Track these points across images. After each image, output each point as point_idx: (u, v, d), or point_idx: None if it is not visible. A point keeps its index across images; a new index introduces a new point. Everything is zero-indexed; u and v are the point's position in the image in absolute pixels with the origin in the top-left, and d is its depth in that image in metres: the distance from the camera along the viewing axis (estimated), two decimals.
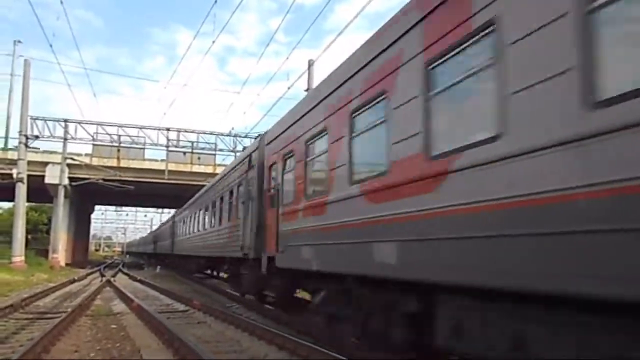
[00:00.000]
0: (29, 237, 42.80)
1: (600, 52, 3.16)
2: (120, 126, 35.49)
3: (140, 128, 35.71)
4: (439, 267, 4.52)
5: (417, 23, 5.16)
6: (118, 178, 34.46)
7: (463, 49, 4.45)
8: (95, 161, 35.32)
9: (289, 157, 9.34)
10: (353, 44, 6.94)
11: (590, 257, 3.05)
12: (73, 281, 22.10)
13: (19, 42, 41.18)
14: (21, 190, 28.01)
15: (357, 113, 6.42)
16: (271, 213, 9.98)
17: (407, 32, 5.36)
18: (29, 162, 29.27)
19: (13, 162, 28.93)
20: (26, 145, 28.55)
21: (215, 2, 16.01)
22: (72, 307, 11.79)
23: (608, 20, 3.18)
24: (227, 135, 36.92)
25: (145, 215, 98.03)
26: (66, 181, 34.01)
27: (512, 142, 3.71)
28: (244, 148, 27.54)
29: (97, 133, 34.78)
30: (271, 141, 10.63)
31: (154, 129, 35.80)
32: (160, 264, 40.43)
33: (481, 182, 4.03)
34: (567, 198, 3.21)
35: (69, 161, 33.73)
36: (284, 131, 9.76)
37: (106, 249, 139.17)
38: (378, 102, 5.88)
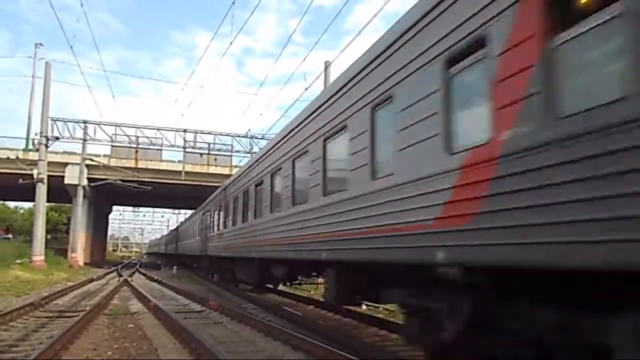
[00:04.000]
0: (49, 236, 43.47)
1: None
2: (138, 127, 35.90)
3: (158, 129, 36.09)
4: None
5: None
6: (136, 179, 34.83)
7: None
8: (113, 162, 35.77)
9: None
10: (370, 44, 6.90)
11: None
12: (91, 280, 22.37)
13: (40, 44, 41.96)
14: (41, 190, 28.44)
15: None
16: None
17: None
18: (49, 163, 29.70)
19: (33, 163, 29.41)
20: (46, 146, 28.98)
21: (234, 3, 16.13)
22: (91, 306, 11.92)
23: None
24: (244, 137, 37.15)
25: (162, 216, 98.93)
26: (85, 182, 34.51)
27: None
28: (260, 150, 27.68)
29: (115, 134, 35.27)
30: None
31: (172, 130, 36.16)
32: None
33: None
34: None
35: (88, 162, 34.22)
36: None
37: (123, 249, 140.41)
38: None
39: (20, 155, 33.76)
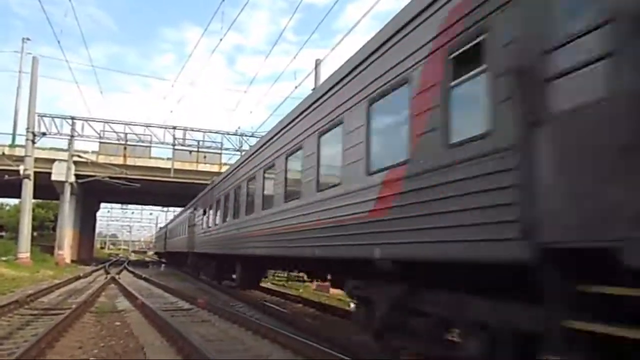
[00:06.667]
0: (35, 233, 43.01)
1: None
2: (127, 124, 35.57)
3: (147, 126, 35.80)
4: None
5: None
6: (124, 176, 34.56)
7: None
8: (101, 159, 35.42)
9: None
10: (362, 43, 6.89)
11: None
12: (78, 278, 22.17)
13: (28, 39, 41.49)
14: (28, 186, 28.13)
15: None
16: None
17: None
18: (36, 159, 29.39)
19: (20, 159, 29.06)
20: (33, 142, 28.65)
21: (223, 0, 16.02)
22: (77, 303, 11.80)
23: None
24: (234, 134, 36.95)
25: (151, 214, 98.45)
26: (72, 178, 34.13)
27: None
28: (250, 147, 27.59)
29: (103, 131, 34.88)
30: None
31: (161, 127, 35.89)
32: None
33: None
34: None
35: (75, 158, 33.86)
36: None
37: (111, 246, 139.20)
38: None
39: (6, 151, 33.31)
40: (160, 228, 65.29)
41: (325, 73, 19.05)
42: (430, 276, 5.23)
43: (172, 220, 43.41)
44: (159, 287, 18.50)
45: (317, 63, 22.76)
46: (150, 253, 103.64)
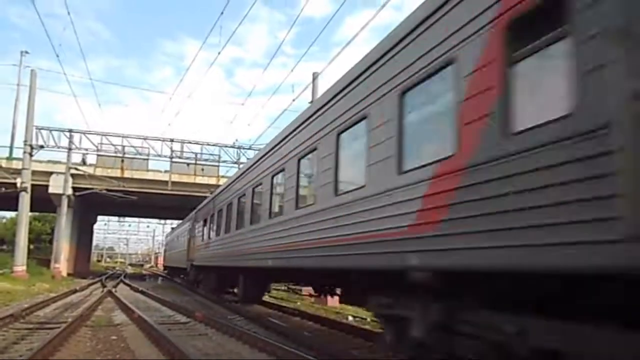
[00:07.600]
0: (32, 246, 42.76)
1: None
2: (125, 137, 35.61)
3: (145, 139, 35.81)
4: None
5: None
6: (121, 188, 34.48)
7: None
8: (99, 171, 35.36)
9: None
10: (360, 56, 6.96)
11: None
12: (74, 291, 22.01)
13: (27, 52, 41.60)
14: (25, 199, 28.04)
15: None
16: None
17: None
18: (33, 172, 29.32)
19: (17, 172, 29.01)
20: (31, 155, 28.63)
21: (222, 13, 16.19)
22: (73, 317, 11.72)
23: None
24: (231, 147, 36.99)
25: (148, 226, 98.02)
26: (70, 191, 34.04)
27: None
28: (248, 160, 27.60)
29: (101, 143, 34.88)
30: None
31: (158, 139, 35.92)
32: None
33: None
34: None
35: (73, 171, 33.80)
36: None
37: (108, 259, 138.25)
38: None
39: (4, 163, 33.27)
40: (173, 229, 46.46)
41: (323, 86, 19.17)
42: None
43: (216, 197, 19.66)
44: (156, 301, 18.38)
45: (315, 76, 22.89)
46: (148, 266, 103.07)
